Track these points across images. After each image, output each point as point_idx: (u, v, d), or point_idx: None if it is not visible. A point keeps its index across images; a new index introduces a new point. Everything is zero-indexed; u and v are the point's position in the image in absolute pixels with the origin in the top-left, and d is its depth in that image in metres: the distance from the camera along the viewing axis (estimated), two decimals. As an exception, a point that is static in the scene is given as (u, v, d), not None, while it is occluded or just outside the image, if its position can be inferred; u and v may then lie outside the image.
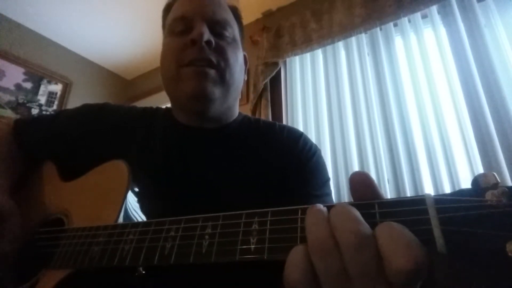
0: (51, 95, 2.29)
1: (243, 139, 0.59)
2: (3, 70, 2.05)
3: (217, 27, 0.56)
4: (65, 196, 0.52)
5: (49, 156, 0.60)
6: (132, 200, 0.44)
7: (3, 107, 2.01)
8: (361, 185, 0.26)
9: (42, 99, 2.24)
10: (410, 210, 0.23)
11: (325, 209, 0.25)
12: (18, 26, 2.18)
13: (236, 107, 0.64)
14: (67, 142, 0.59)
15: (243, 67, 0.63)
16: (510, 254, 0.19)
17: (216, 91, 0.53)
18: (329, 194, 0.56)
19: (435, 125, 1.32)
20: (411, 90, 1.43)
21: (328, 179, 0.57)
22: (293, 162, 0.55)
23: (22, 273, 0.45)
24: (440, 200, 0.22)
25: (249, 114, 1.80)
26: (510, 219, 0.20)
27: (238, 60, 0.58)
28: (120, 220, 0.40)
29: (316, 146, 0.61)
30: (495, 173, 0.22)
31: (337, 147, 1.55)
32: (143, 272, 0.36)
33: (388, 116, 1.44)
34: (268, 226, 0.27)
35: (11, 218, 0.47)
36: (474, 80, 1.23)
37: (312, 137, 1.65)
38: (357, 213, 0.23)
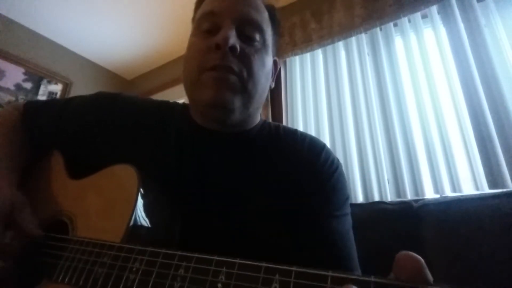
0: (51, 95, 2.29)
1: (262, 147, 0.56)
2: (3, 70, 2.05)
3: (247, 29, 0.52)
4: (71, 197, 0.51)
5: (58, 146, 0.58)
6: (140, 207, 0.42)
7: (3, 107, 2.01)
8: (411, 272, 0.21)
9: (42, 99, 2.24)
10: None
11: None
12: (19, 26, 2.18)
13: (258, 114, 0.60)
14: (78, 133, 0.58)
15: (270, 73, 0.59)
16: None
17: (236, 101, 0.49)
18: (348, 213, 0.53)
19: (435, 125, 1.32)
20: (411, 90, 1.42)
21: (348, 197, 0.55)
22: (313, 178, 0.52)
23: (22, 277, 0.44)
24: None
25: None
26: None
27: (264, 68, 0.54)
28: (127, 235, 0.39)
29: (337, 160, 0.57)
30: None
31: (337, 147, 1.55)
32: None
33: (388, 116, 1.44)
34: None
35: (26, 208, 0.47)
36: (474, 80, 1.22)
37: (312, 137, 1.65)
38: None
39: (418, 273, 0.21)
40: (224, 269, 0.28)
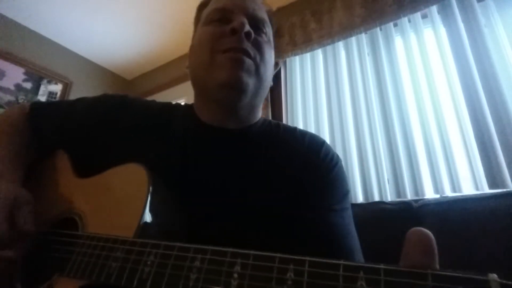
0: (51, 95, 2.29)
1: (264, 144, 0.57)
2: (3, 70, 2.05)
3: (256, 24, 0.56)
4: (79, 195, 0.50)
5: (64, 146, 0.58)
6: (151, 204, 0.42)
7: (3, 107, 2.01)
8: (419, 249, 0.22)
9: (42, 99, 2.24)
10: None
11: None
12: (18, 26, 2.18)
13: (260, 108, 0.62)
14: (84, 133, 0.58)
15: (273, 69, 0.61)
16: None
17: (250, 82, 0.51)
18: (348, 208, 0.53)
19: (435, 125, 1.32)
20: (411, 90, 1.42)
21: (348, 192, 0.55)
22: (313, 173, 0.53)
23: (32, 272, 0.44)
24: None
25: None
26: None
27: (271, 59, 0.58)
28: (139, 231, 0.39)
29: (337, 156, 0.59)
30: None
31: (337, 147, 1.55)
32: None
33: (388, 116, 1.44)
34: (306, 279, 0.25)
35: (27, 206, 0.46)
36: (474, 80, 1.22)
37: (312, 137, 1.65)
38: None
39: (428, 247, 0.22)
40: (239, 260, 0.28)
